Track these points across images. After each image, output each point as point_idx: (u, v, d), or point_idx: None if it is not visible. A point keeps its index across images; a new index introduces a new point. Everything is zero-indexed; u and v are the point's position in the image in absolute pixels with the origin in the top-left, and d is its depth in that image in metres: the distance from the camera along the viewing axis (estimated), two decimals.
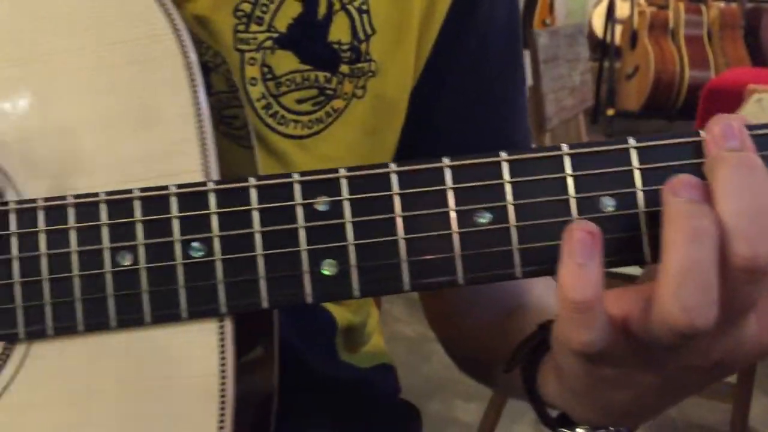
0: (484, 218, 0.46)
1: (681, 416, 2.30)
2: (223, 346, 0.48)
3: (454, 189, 0.46)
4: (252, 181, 0.47)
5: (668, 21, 5.82)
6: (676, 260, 0.40)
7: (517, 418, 2.23)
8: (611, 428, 0.52)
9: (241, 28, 0.61)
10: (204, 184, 0.48)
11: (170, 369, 0.48)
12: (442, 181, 0.46)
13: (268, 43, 0.62)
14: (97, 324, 0.48)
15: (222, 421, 0.48)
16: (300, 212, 0.47)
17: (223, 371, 0.48)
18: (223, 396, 0.48)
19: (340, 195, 0.47)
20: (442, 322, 0.77)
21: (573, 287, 0.41)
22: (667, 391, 0.46)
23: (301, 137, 0.64)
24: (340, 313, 0.70)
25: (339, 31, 0.63)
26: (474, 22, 0.68)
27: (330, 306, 0.69)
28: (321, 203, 0.47)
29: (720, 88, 3.39)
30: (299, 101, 0.63)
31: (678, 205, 0.41)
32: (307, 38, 0.63)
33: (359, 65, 0.64)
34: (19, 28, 0.51)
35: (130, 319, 0.48)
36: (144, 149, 0.50)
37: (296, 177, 0.47)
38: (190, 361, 0.48)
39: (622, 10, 6.05)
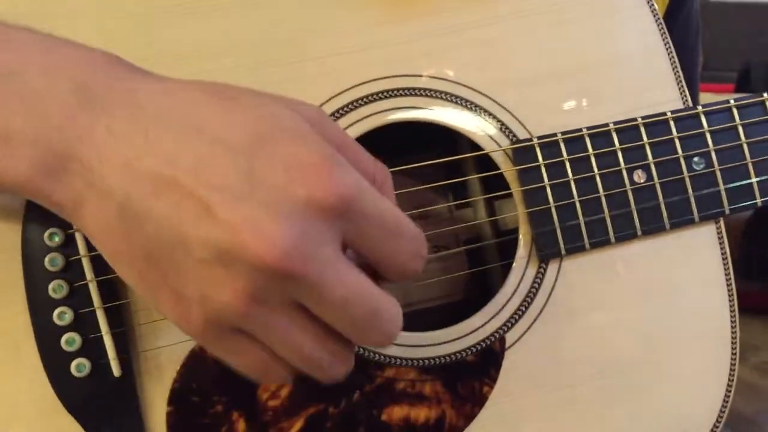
0: None
1: None
2: (721, 242, 0.57)
3: None
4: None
5: None
6: None
7: None
8: None
9: None
10: (694, 107, 0.57)
11: (679, 271, 0.57)
12: None
13: None
14: (624, 236, 0.55)
15: (732, 307, 0.57)
16: None
17: (725, 262, 0.57)
18: (728, 282, 0.57)
19: None
20: None
21: None
22: None
23: None
24: None
25: None
26: None
27: None
28: None
29: None
30: None
31: None
32: None
33: None
34: None
35: (653, 228, 0.56)
36: (619, 86, 0.57)
37: None
38: (698, 259, 0.57)
39: None
